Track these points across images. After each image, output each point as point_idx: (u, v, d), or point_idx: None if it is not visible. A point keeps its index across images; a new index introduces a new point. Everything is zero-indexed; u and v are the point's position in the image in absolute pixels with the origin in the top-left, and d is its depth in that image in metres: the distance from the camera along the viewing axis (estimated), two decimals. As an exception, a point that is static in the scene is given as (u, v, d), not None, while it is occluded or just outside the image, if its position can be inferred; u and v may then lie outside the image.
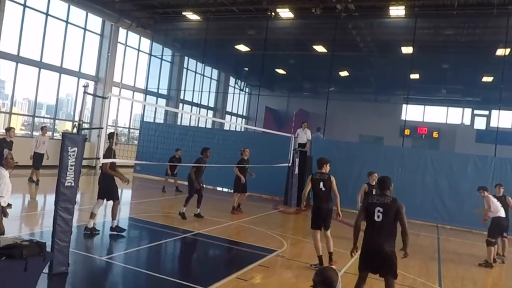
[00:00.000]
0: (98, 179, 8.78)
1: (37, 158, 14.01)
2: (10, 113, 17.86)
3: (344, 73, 25.62)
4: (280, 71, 28.52)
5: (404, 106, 26.31)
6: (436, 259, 9.70)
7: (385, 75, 25.53)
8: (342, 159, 15.75)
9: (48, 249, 5.42)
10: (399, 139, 20.36)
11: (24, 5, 17.30)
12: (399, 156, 15.35)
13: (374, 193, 9.77)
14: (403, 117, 25.46)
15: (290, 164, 14.89)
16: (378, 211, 5.35)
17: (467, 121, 30.21)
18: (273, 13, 18.02)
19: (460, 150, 23.01)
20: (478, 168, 14.04)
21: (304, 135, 15.64)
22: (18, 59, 17.36)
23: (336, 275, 3.20)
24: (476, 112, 29.99)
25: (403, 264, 8.70)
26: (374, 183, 10.41)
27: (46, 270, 5.49)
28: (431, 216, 14.47)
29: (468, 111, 30.27)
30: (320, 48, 21.47)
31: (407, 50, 18.98)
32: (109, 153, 8.15)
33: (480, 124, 29.62)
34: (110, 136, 8.29)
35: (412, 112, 27.75)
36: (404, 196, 14.57)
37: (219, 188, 17.72)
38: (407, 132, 22.28)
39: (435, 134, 29.31)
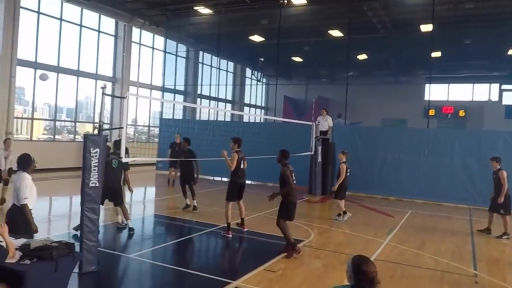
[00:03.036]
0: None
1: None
2: (32, 119, 18.13)
3: (362, 57, 25.16)
4: (297, 59, 28.17)
5: (427, 86, 25.72)
6: (469, 242, 9.42)
7: (405, 56, 24.84)
8: (365, 145, 15.51)
9: (77, 249, 5.49)
10: (424, 120, 19.86)
11: (38, 12, 17.49)
12: (425, 138, 14.97)
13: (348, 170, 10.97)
14: (426, 97, 24.88)
15: (312, 153, 14.71)
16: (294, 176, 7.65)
17: (494, 97, 29.34)
18: (285, 1, 17.74)
19: (488, 127, 22.35)
20: (508, 145, 13.54)
21: (325, 122, 15.39)
22: (36, 65, 17.59)
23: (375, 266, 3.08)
24: (503, 87, 29.08)
25: (435, 249, 8.58)
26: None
27: (76, 269, 5.52)
28: (462, 197, 14.08)
29: (495, 86, 29.37)
30: (336, 33, 21.10)
31: (426, 28, 18.47)
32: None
33: (508, 99, 28.70)
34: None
35: (435, 92, 27.06)
36: (432, 179, 14.48)
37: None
38: (431, 112, 21.60)
39: (461, 113, 28.39)
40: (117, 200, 8.58)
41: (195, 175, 11.10)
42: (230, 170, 8.81)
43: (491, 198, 10.07)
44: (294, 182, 7.69)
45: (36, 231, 5.47)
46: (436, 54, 21.31)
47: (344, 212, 10.84)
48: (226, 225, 8.82)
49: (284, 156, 7.87)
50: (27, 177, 5.44)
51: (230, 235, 8.71)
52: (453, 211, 13.44)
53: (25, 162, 5.51)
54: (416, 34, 20.32)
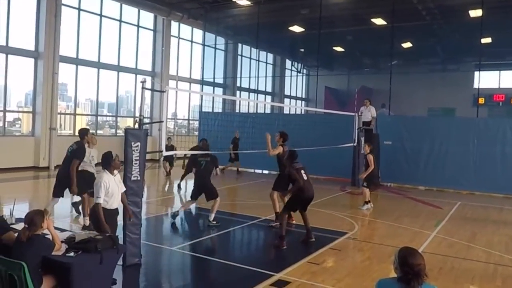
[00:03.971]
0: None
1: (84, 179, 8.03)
2: (75, 114, 18.69)
3: (407, 45, 24.43)
4: (338, 48, 27.63)
5: (476, 73, 24.53)
6: (525, 234, 8.95)
7: (453, 43, 23.92)
8: (411, 135, 15.09)
9: (121, 242, 5.48)
10: (473, 109, 19.02)
11: (79, 9, 17.90)
12: (474, 128, 14.39)
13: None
14: (476, 85, 23.79)
15: (355, 144, 14.37)
16: (304, 172, 7.71)
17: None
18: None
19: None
20: None
21: (368, 112, 14.96)
22: (77, 61, 18.05)
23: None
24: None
25: (486, 241, 8.18)
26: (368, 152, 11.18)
27: (120, 262, 5.54)
28: (515, 188, 13.44)
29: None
30: (379, 21, 20.46)
31: (475, 13, 17.57)
32: None
33: None
34: None
35: (485, 79, 25.66)
36: (483, 169, 13.89)
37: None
38: (481, 101, 20.64)
39: (513, 101, 27.13)
40: (207, 195, 8.80)
41: None
42: (273, 158, 8.86)
43: None
44: (306, 179, 7.73)
45: (108, 232, 5.46)
46: (486, 40, 20.27)
47: (367, 202, 10.95)
48: (274, 215, 8.80)
49: (289, 156, 8.06)
50: (104, 176, 5.48)
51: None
52: (506, 202, 12.85)
53: (106, 160, 5.55)
54: (464, 20, 19.48)
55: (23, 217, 4.50)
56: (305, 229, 7.78)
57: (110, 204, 5.51)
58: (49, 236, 4.37)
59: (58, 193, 7.97)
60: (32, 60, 16.54)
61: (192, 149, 13.07)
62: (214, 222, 8.61)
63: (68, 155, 7.86)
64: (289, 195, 7.97)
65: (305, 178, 7.69)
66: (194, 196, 8.95)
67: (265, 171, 17.79)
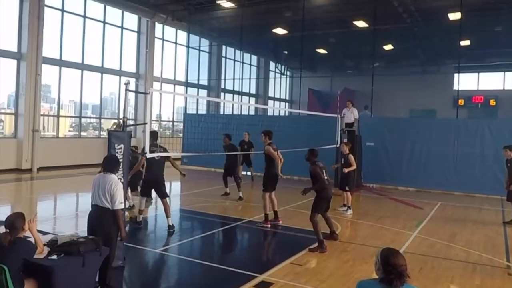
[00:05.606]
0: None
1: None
2: (58, 116, 18.44)
3: (388, 47, 24.74)
4: (321, 51, 27.85)
5: (456, 75, 25.09)
6: (502, 234, 9.17)
7: (433, 45, 24.36)
8: (393, 136, 15.29)
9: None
10: (453, 110, 19.40)
11: (62, 10, 17.72)
12: (454, 129, 14.65)
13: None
14: (455, 87, 24.31)
15: (338, 145, 14.50)
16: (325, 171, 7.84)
17: (527, 85, 28.36)
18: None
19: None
20: (541, 134, 13.10)
21: (351, 114, 15.12)
22: (61, 63, 17.84)
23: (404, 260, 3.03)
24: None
25: (466, 240, 8.36)
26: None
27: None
28: (494, 188, 13.61)
29: (528, 74, 28.42)
30: (361, 24, 20.72)
31: (454, 16, 17.93)
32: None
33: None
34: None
35: (465, 81, 26.38)
36: (463, 170, 14.17)
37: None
38: (461, 102, 21.18)
39: (492, 102, 27.73)
40: (160, 192, 8.52)
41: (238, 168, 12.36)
42: (276, 161, 9.00)
43: (505, 187, 10.02)
44: (326, 178, 7.79)
45: (126, 238, 5.47)
46: (465, 42, 20.71)
47: (349, 207, 10.77)
48: (264, 216, 8.88)
49: (312, 154, 8.00)
50: (118, 180, 5.31)
51: (269, 226, 8.76)
52: (485, 202, 13.08)
53: (114, 164, 5.36)
54: (444, 22, 19.85)
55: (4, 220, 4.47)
56: (330, 230, 7.96)
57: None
58: (32, 239, 4.35)
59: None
60: (14, 62, 16.31)
61: (230, 150, 11.95)
62: None
63: (156, 159, 8.09)
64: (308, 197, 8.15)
65: (326, 177, 7.80)
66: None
67: (249, 173, 17.77)
